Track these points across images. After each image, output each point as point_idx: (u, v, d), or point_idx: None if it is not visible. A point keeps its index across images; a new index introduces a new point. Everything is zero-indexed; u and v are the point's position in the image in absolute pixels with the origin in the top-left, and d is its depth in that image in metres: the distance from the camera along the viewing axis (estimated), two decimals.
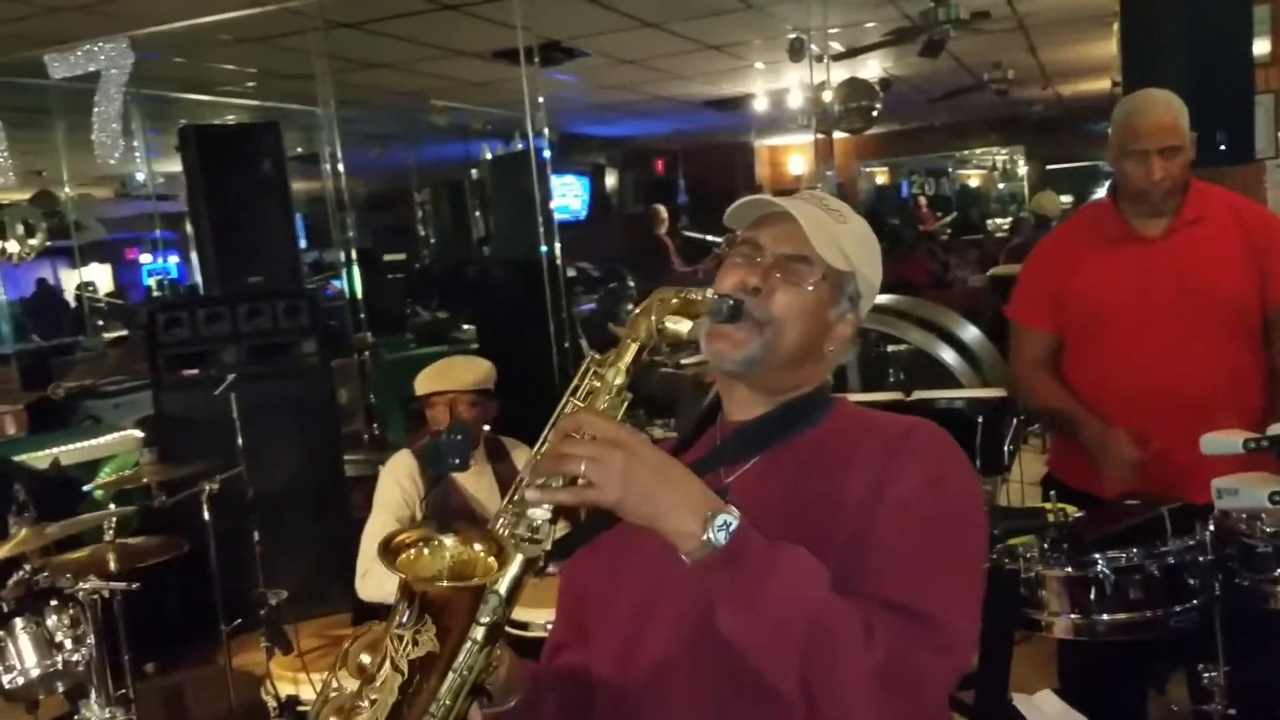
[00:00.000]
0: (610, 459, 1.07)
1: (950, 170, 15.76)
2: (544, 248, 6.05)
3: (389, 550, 1.10)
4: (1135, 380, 2.60)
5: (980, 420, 3.14)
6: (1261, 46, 3.90)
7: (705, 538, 1.07)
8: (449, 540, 1.14)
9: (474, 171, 11.30)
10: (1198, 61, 3.41)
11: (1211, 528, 2.26)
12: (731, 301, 1.27)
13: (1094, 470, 2.59)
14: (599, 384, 1.20)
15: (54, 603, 2.75)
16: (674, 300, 1.24)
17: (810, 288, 1.31)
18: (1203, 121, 3.26)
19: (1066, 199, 11.80)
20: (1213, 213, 2.64)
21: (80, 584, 2.78)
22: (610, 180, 13.64)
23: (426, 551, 1.13)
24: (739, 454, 1.33)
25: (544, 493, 1.08)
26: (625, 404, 1.19)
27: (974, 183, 15.98)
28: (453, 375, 3.17)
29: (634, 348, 1.21)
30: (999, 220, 13.51)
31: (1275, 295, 2.62)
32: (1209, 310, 2.59)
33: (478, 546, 1.12)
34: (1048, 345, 2.79)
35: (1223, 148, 3.44)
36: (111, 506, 3.57)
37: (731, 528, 1.07)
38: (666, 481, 1.09)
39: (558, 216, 6.51)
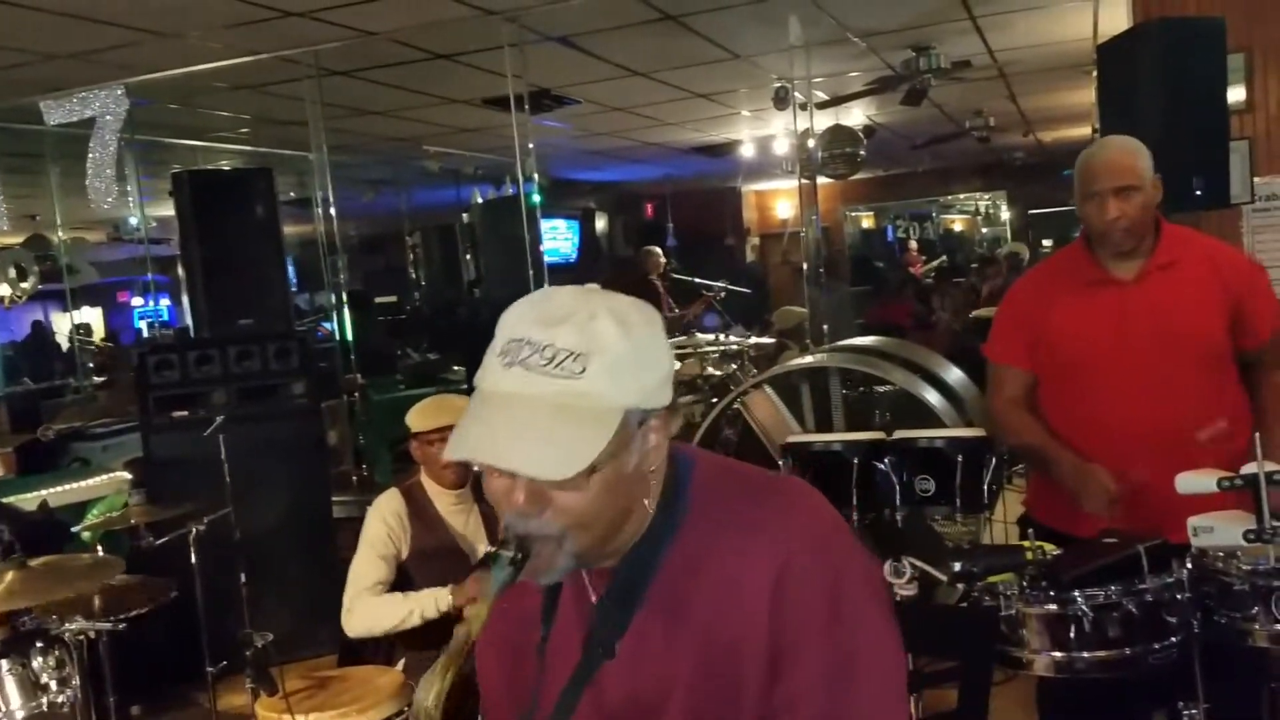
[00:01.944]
0: None
1: (935, 215, 15.95)
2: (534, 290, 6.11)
3: None
4: (1114, 421, 2.63)
5: (960, 459, 3.17)
6: (1236, 94, 3.99)
7: None
8: None
9: (465, 215, 11.39)
10: (1174, 109, 3.47)
11: (1189, 565, 2.29)
12: (513, 554, 1.13)
13: (1070, 509, 2.62)
14: None
15: (39, 644, 2.73)
16: (440, 691, 1.14)
17: (592, 477, 1.12)
18: (1179, 167, 3.36)
19: (1048, 242, 11.97)
20: (1186, 256, 2.69)
21: (66, 625, 2.77)
22: (600, 224, 13.75)
23: None
24: (615, 626, 1.23)
25: None
26: None
27: (958, 227, 16.17)
28: (455, 409, 3.19)
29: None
30: (973, 265, 13.74)
31: (1253, 336, 2.67)
32: (1185, 351, 2.63)
33: None
34: (1024, 383, 2.82)
35: (1199, 192, 3.50)
36: (99, 549, 3.56)
37: None
38: None
39: (548, 259, 6.57)
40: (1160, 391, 2.61)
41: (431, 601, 2.97)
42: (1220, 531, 2.30)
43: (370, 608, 3.05)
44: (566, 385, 1.09)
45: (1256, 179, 4.05)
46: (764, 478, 1.31)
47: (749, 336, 7.34)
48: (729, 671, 1.19)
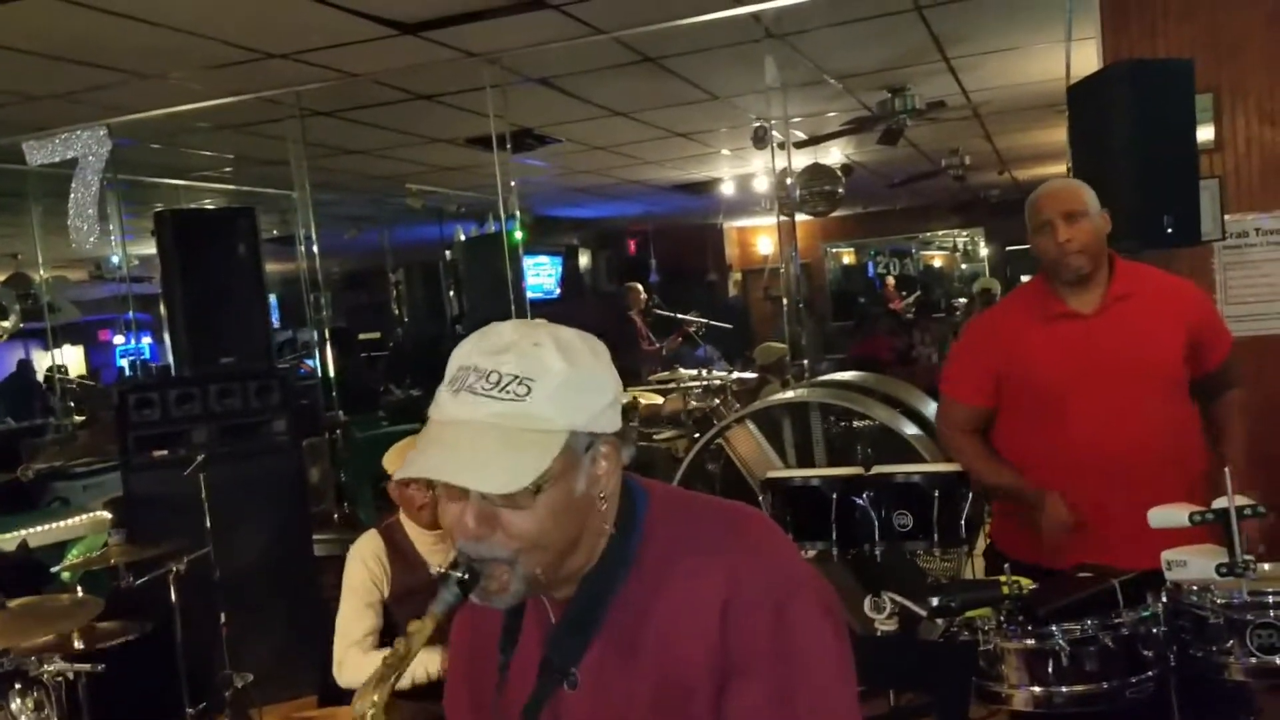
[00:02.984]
0: None
1: (914, 251, 16.11)
2: None
3: None
4: (1081, 453, 2.68)
5: (937, 494, 3.20)
6: (1205, 133, 4.06)
7: None
8: None
9: (448, 252, 11.42)
10: (1144, 148, 3.52)
11: (1164, 599, 2.32)
12: (459, 576, 1.15)
13: (1034, 540, 2.66)
14: None
15: (18, 685, 2.72)
16: (379, 701, 1.15)
17: (539, 498, 1.16)
18: (1150, 205, 3.42)
19: (1026, 278, 12.09)
20: (1142, 289, 2.76)
21: (45, 666, 2.76)
22: (583, 260, 13.82)
23: None
24: (569, 652, 1.26)
25: None
26: None
27: (937, 263, 16.32)
28: None
29: None
30: (962, 300, 13.89)
31: (1210, 360, 2.76)
32: (1148, 382, 2.69)
33: None
34: (973, 417, 2.89)
35: (1170, 230, 3.55)
36: (79, 589, 3.54)
37: None
38: None
39: (531, 295, 6.60)
40: (1125, 420, 2.67)
41: (422, 668, 2.95)
42: (1194, 565, 2.33)
43: (362, 665, 3.02)
44: (510, 407, 1.14)
45: (1227, 216, 4.12)
46: (718, 506, 1.34)
47: (731, 371, 7.37)
48: (682, 695, 1.21)
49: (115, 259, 8.96)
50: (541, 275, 12.28)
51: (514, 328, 1.20)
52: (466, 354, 1.19)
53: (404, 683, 2.93)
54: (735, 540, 1.26)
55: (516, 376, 1.15)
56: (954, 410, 2.95)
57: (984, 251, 15.62)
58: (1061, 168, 6.98)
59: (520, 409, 1.14)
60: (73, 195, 5.17)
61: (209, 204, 8.73)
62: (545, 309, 10.98)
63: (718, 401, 6.55)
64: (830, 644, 1.23)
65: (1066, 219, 2.68)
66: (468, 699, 1.39)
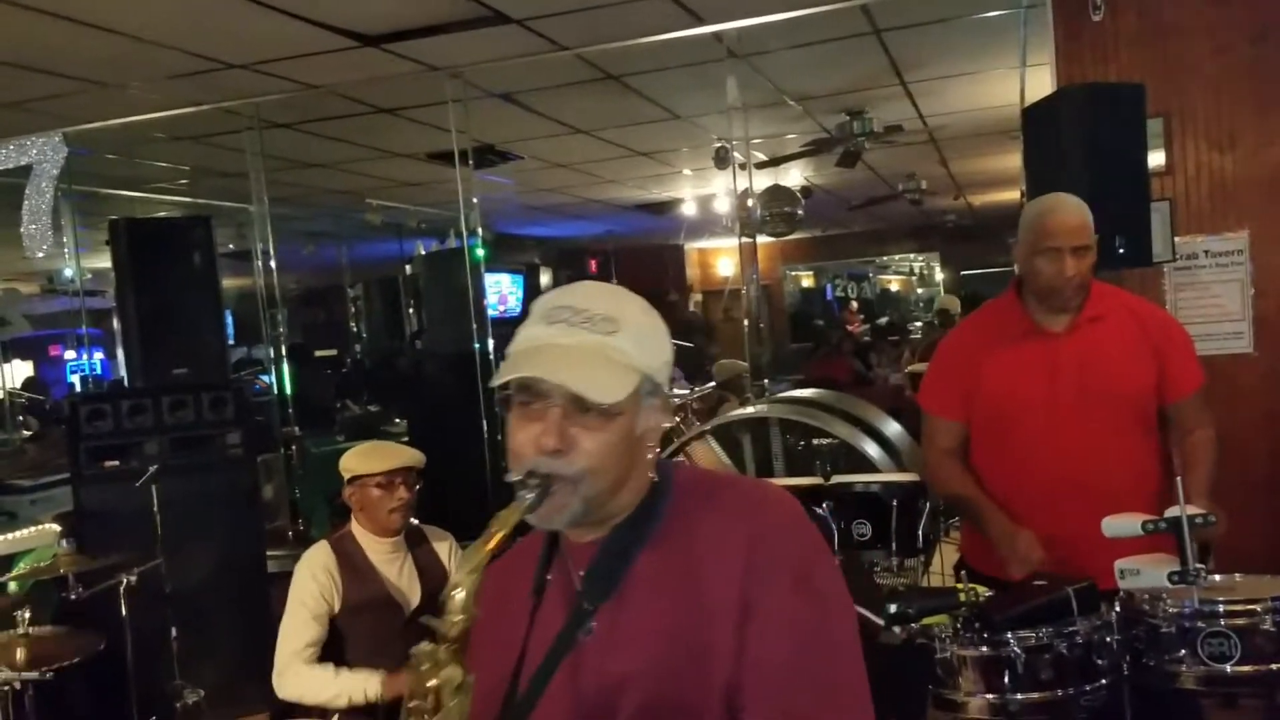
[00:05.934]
0: None
1: (871, 275, 16.29)
2: (477, 344, 6.10)
3: None
4: (1042, 472, 2.71)
5: (895, 503, 3.22)
6: (1156, 158, 4.15)
7: None
8: None
9: (408, 268, 11.36)
10: (1096, 172, 3.55)
11: (1118, 608, 2.35)
12: (536, 485, 1.27)
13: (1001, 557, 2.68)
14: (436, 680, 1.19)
15: None
16: (475, 566, 1.22)
17: (611, 424, 1.29)
18: (1102, 227, 3.45)
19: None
20: (1112, 311, 2.79)
21: None
22: (545, 279, 13.78)
23: None
24: (596, 596, 1.33)
25: None
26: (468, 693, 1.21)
27: (894, 287, 16.52)
28: (395, 453, 3.19)
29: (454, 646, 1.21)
30: (918, 323, 14.08)
31: (1173, 391, 2.77)
32: (1110, 403, 2.71)
33: None
34: (957, 434, 2.89)
35: (1121, 251, 3.61)
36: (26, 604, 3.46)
37: None
38: None
39: (491, 313, 6.56)
40: (1087, 441, 2.69)
41: (361, 689, 2.92)
42: (1146, 574, 2.37)
43: (302, 677, 2.99)
44: (601, 340, 1.30)
45: (1177, 238, 4.20)
46: (741, 477, 1.42)
47: (692, 389, 7.38)
48: (701, 638, 1.26)
49: (68, 272, 8.82)
50: (502, 293, 12.20)
51: (597, 285, 1.39)
52: (556, 297, 1.35)
53: (342, 702, 2.92)
54: (762, 499, 1.36)
55: (606, 316, 1.31)
56: (935, 427, 2.94)
57: (940, 276, 15.84)
58: (1016, 194, 7.10)
59: (608, 341, 1.30)
60: (26, 202, 5.09)
61: (164, 215, 8.61)
62: (507, 327, 10.90)
63: (678, 419, 6.56)
64: (847, 599, 1.32)
65: (1077, 253, 2.66)
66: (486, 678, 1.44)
